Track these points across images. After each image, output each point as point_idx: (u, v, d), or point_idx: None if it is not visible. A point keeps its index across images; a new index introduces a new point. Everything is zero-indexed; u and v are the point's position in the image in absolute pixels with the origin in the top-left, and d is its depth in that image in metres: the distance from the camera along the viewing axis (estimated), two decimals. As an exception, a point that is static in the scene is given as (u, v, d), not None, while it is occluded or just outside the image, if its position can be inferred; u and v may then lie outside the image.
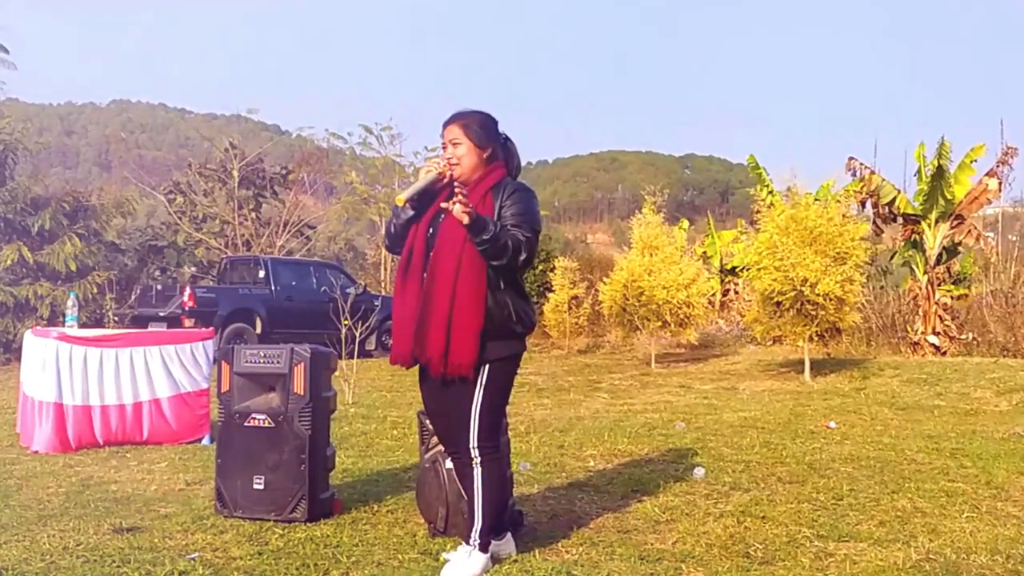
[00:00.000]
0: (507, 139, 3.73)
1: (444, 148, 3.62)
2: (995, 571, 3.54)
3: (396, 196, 3.55)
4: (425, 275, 3.50)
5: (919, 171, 14.61)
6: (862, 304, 13.31)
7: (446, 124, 3.62)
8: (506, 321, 3.48)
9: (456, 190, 3.34)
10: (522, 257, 3.40)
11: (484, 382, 3.47)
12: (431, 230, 3.56)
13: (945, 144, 13.54)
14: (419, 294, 3.51)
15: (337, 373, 4.69)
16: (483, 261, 3.40)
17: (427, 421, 4.17)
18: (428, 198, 3.59)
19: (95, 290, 15.54)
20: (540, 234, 3.58)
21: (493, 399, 3.52)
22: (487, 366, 3.46)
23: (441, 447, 4.10)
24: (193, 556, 3.65)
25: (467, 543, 3.51)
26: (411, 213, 3.60)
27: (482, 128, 3.60)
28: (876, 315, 15.64)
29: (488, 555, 3.52)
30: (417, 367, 3.64)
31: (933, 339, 13.94)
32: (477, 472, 3.49)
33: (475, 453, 3.49)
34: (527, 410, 8.59)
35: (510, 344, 3.54)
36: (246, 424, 4.34)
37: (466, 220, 3.31)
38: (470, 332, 3.39)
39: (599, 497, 4.86)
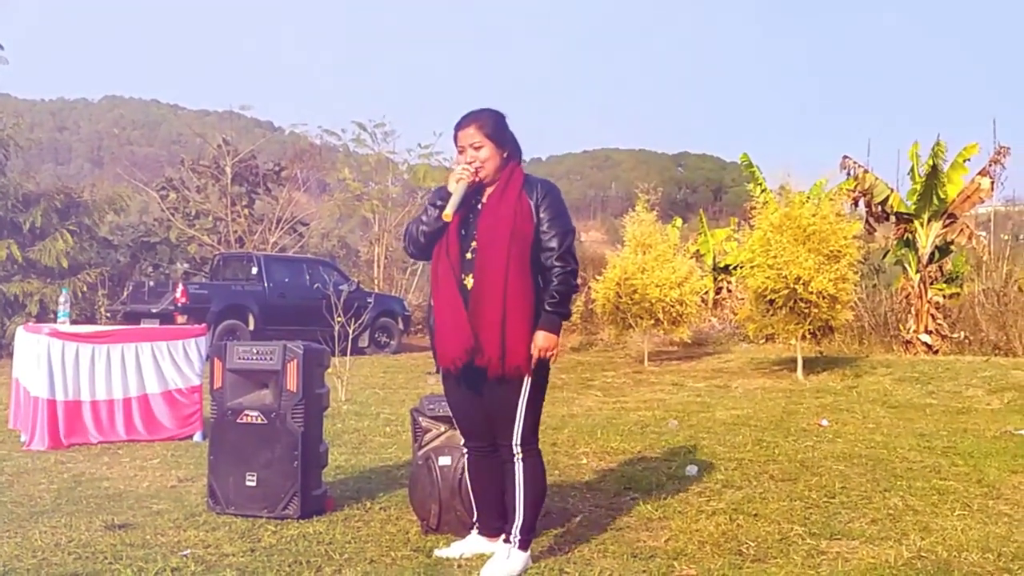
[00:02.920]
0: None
1: (462, 152, 3.54)
2: (986, 569, 3.55)
3: (444, 214, 3.45)
4: (467, 277, 3.46)
5: (912, 170, 14.63)
6: (855, 302, 13.32)
7: (462, 127, 3.54)
8: None
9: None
10: (575, 266, 3.49)
11: (529, 382, 3.45)
12: (463, 231, 3.52)
13: (940, 144, 13.57)
14: (459, 297, 3.46)
15: (330, 370, 4.68)
16: (528, 260, 3.43)
17: (420, 419, 4.17)
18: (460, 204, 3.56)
19: (86, 287, 15.50)
20: (574, 227, 3.62)
21: (538, 397, 3.51)
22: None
23: (434, 444, 4.10)
24: (185, 553, 3.65)
25: (506, 541, 3.49)
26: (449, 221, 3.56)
27: (498, 126, 3.56)
28: (868, 313, 15.67)
29: (528, 553, 3.50)
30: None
31: (925, 337, 13.98)
32: (519, 468, 3.47)
33: (517, 450, 3.46)
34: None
35: None
36: (239, 421, 4.34)
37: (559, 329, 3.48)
38: (524, 332, 3.39)
39: (592, 495, 4.87)
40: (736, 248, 18.23)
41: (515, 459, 3.47)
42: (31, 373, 6.30)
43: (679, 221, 24.86)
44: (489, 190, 3.54)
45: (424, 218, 3.57)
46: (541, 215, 3.48)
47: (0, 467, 5.52)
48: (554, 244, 3.46)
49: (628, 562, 3.59)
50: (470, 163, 3.51)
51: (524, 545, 3.48)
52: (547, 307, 3.45)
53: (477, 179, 3.51)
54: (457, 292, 3.46)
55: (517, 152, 3.63)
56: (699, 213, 26.61)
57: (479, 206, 3.53)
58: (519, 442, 3.46)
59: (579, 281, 3.68)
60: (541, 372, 3.49)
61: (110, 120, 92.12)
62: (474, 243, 3.46)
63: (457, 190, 3.48)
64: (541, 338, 3.42)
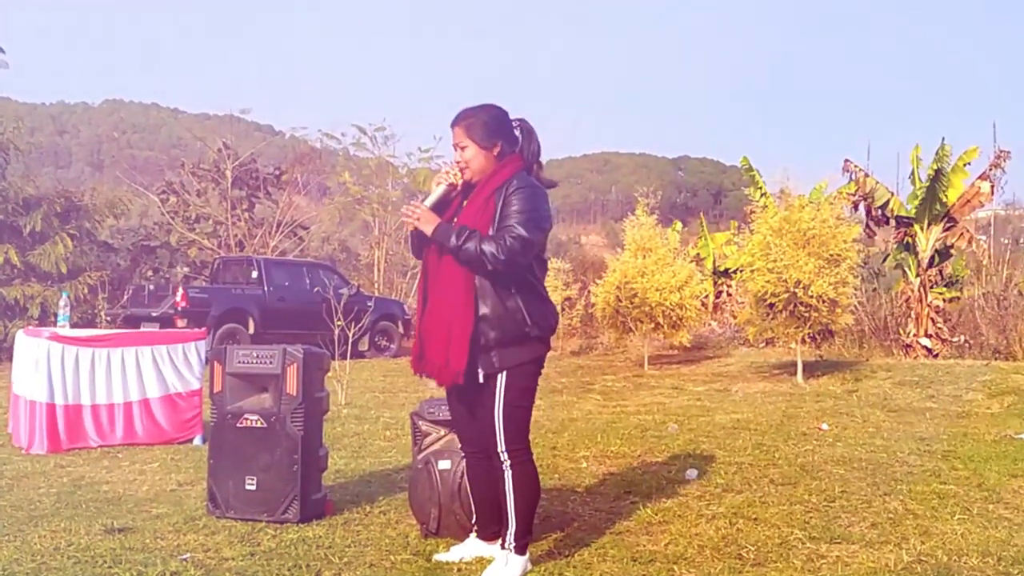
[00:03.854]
0: (521, 122, 3.60)
1: (455, 151, 3.55)
2: (986, 573, 3.55)
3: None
4: (432, 283, 3.46)
5: (913, 173, 14.64)
6: (854, 306, 13.33)
7: (453, 125, 3.53)
8: (519, 326, 3.39)
9: (404, 210, 3.44)
10: (501, 259, 3.27)
11: (503, 389, 3.40)
12: None
13: (945, 147, 13.58)
14: (421, 304, 3.50)
15: (330, 374, 4.68)
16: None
17: (420, 422, 4.17)
18: (443, 206, 3.52)
19: (86, 291, 15.50)
20: (545, 232, 3.45)
21: (514, 404, 3.44)
22: (504, 373, 3.39)
23: (434, 448, 4.11)
24: (185, 557, 3.64)
25: (503, 547, 3.48)
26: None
27: (486, 125, 3.48)
28: (868, 317, 15.67)
29: (526, 556, 3.49)
30: None
31: (925, 341, 13.97)
32: (507, 475, 3.44)
33: (504, 456, 3.43)
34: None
35: (526, 349, 3.45)
36: (238, 425, 4.33)
37: (428, 232, 3.38)
38: (462, 340, 3.32)
39: (592, 498, 4.86)
40: (736, 252, 18.22)
41: (504, 466, 3.45)
42: (31, 377, 6.30)
43: (679, 225, 24.89)
44: (473, 192, 3.51)
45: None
46: (506, 211, 3.36)
47: (0, 471, 5.51)
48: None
49: (628, 566, 3.59)
50: (458, 162, 3.51)
51: (521, 550, 3.47)
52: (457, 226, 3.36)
53: (463, 180, 3.50)
54: (421, 298, 3.51)
55: (514, 148, 3.54)
56: (699, 217, 26.65)
57: (463, 207, 3.50)
58: (504, 448, 3.43)
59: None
60: (517, 379, 3.42)
61: (110, 124, 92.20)
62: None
63: (434, 193, 3.49)
64: (421, 210, 3.42)
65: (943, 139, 13.59)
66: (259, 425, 4.30)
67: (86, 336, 6.65)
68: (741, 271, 11.96)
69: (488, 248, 3.28)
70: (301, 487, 4.21)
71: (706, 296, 18.87)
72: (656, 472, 5.57)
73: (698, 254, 22.02)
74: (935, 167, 13.57)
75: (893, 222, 14.78)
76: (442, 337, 3.37)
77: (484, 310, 3.37)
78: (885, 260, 16.50)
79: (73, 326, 7.09)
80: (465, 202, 3.51)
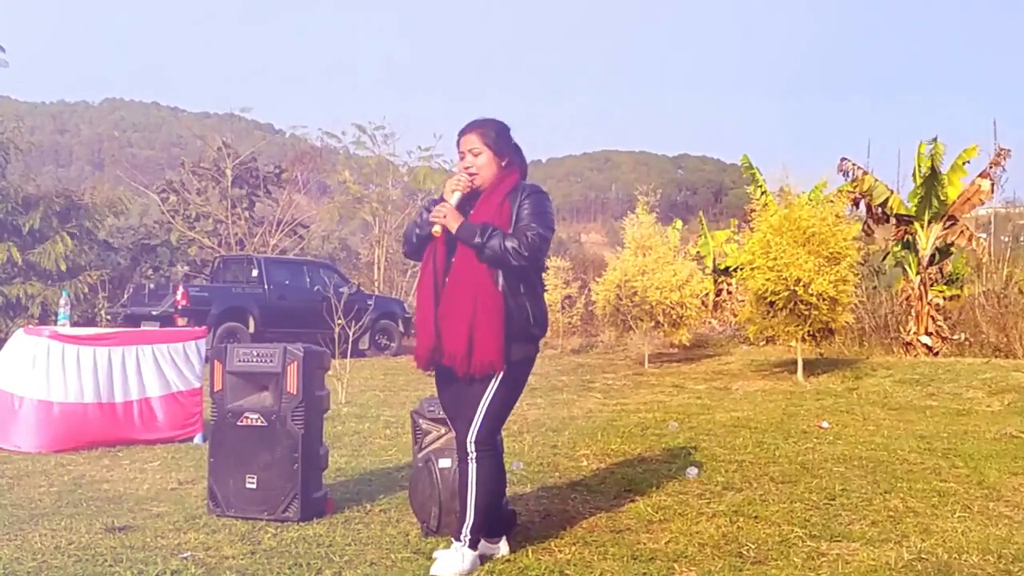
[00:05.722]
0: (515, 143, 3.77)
1: (462, 157, 3.63)
2: (987, 571, 3.55)
3: (433, 230, 3.52)
4: (447, 279, 3.53)
5: (913, 172, 14.63)
6: (855, 304, 13.33)
7: (464, 133, 3.64)
8: (525, 324, 3.52)
9: (435, 211, 3.51)
10: (525, 255, 3.41)
11: (497, 383, 3.47)
12: (451, 235, 3.57)
13: (939, 146, 13.58)
14: (432, 299, 3.53)
15: (330, 372, 4.68)
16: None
17: (420, 421, 4.17)
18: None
19: (86, 289, 15.50)
20: (554, 233, 3.62)
21: (502, 400, 3.52)
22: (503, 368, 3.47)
23: (434, 446, 4.11)
24: (185, 555, 3.65)
25: (457, 539, 3.51)
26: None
27: (499, 136, 3.63)
28: (869, 315, 15.67)
29: (477, 553, 3.52)
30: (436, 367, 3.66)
31: (925, 339, 13.97)
32: (472, 468, 3.50)
33: (471, 448, 3.49)
34: (520, 409, 8.59)
35: (527, 347, 3.58)
36: (239, 423, 4.33)
37: (453, 229, 3.46)
38: (493, 331, 3.41)
39: (592, 496, 4.86)
40: (736, 250, 18.22)
41: (468, 459, 3.50)
42: (27, 374, 6.27)
43: (679, 223, 24.88)
44: (481, 196, 3.60)
45: (419, 220, 3.68)
46: (521, 213, 3.52)
47: (0, 470, 5.51)
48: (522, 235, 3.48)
49: (628, 564, 3.59)
50: (467, 168, 3.59)
51: (474, 545, 3.51)
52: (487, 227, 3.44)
53: (473, 186, 3.59)
54: (431, 294, 3.55)
55: (518, 162, 3.70)
56: (699, 215, 26.59)
57: (471, 211, 3.58)
58: (473, 439, 3.48)
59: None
60: (513, 376, 3.51)
61: (110, 123, 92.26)
62: (458, 246, 3.52)
63: (451, 201, 3.56)
64: (447, 207, 3.50)
65: (935, 137, 13.60)
66: (259, 423, 4.30)
67: (87, 335, 6.64)
68: (741, 269, 11.96)
69: (511, 244, 3.41)
70: (301, 485, 4.21)
71: (706, 294, 18.87)
72: (656, 470, 5.58)
73: (698, 252, 21.99)
74: (928, 165, 13.57)
75: (893, 220, 14.76)
76: (462, 328, 3.43)
77: None
78: (885, 258, 16.49)
79: (74, 325, 7.09)
80: (471, 209, 3.59)
